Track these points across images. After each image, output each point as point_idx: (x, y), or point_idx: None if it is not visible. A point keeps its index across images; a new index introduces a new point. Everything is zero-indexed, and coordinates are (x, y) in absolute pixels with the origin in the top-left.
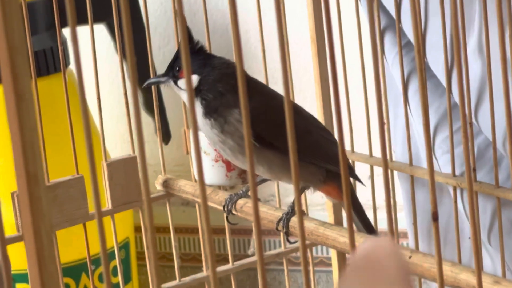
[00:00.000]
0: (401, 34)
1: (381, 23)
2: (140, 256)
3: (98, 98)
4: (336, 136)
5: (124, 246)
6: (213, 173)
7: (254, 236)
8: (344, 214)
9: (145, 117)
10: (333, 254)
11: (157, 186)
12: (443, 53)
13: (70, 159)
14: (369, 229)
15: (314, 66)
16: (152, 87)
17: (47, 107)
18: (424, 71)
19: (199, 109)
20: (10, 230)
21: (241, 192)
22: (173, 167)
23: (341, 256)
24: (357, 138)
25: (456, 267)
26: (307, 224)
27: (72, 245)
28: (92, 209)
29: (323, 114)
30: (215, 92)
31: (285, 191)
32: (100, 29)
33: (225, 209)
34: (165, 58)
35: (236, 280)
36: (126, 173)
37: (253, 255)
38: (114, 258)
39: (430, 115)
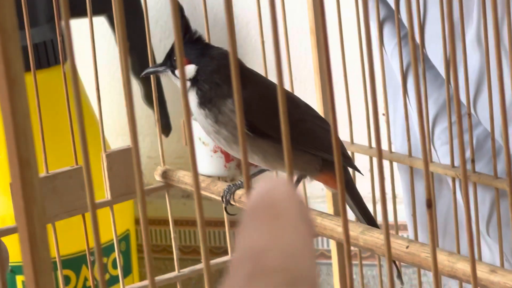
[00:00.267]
0: (400, 25)
1: (380, 14)
2: (141, 249)
3: (97, 89)
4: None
5: (125, 238)
6: (211, 164)
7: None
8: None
9: (146, 109)
10: (332, 246)
11: (156, 177)
12: (441, 44)
13: (70, 150)
14: (369, 219)
15: (314, 58)
16: (152, 79)
17: (47, 98)
18: (423, 62)
19: (194, 98)
20: (10, 222)
21: (239, 182)
22: (174, 159)
23: (341, 248)
24: (357, 129)
25: (453, 257)
26: None
27: (72, 237)
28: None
29: (323, 105)
30: (211, 83)
31: None
32: (101, 21)
33: (224, 199)
34: (166, 50)
35: None
36: (126, 164)
37: None
38: (114, 250)
39: (429, 106)
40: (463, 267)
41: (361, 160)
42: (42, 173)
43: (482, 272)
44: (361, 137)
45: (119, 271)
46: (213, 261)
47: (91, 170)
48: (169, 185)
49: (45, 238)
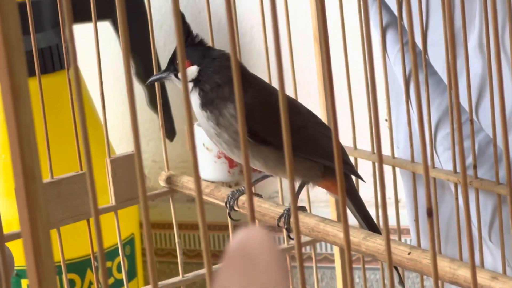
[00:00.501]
0: (403, 31)
1: (383, 20)
2: (146, 253)
3: (102, 95)
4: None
5: (129, 242)
6: (215, 170)
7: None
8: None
9: (150, 113)
10: (335, 250)
11: (161, 182)
12: (444, 50)
13: (75, 155)
14: (371, 226)
15: (317, 64)
16: (156, 84)
17: (52, 103)
18: (426, 68)
19: (196, 100)
20: (16, 226)
21: (243, 188)
22: (178, 164)
23: (344, 252)
24: (361, 134)
25: (454, 263)
26: (308, 220)
27: (77, 241)
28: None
29: (326, 111)
30: (213, 84)
31: (286, 188)
32: (106, 26)
33: (227, 205)
34: (170, 54)
35: None
36: (130, 170)
37: None
38: (119, 254)
39: (432, 112)
40: (465, 273)
41: (364, 166)
42: (47, 179)
43: (483, 279)
44: (365, 143)
45: (123, 275)
46: (216, 266)
47: (94, 176)
48: (173, 190)
49: (49, 247)
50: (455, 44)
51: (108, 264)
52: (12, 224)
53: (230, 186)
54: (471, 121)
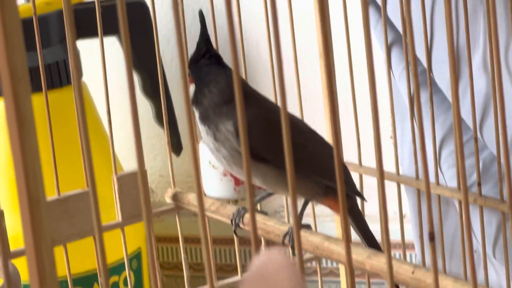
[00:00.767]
0: (407, 49)
1: (388, 38)
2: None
3: (108, 112)
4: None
5: (136, 256)
6: (221, 187)
7: (263, 247)
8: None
9: (157, 128)
10: (341, 266)
11: (167, 199)
12: (448, 68)
13: (82, 171)
14: (372, 244)
15: (323, 80)
16: (162, 98)
17: (60, 118)
18: (430, 86)
19: (196, 114)
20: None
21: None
22: (185, 178)
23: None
24: (366, 151)
25: (458, 282)
26: (313, 238)
27: (84, 255)
28: (103, 221)
29: (331, 126)
30: (209, 102)
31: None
32: (112, 41)
33: (233, 223)
34: (177, 69)
35: None
36: (136, 187)
37: None
38: (125, 269)
39: (436, 129)
40: None
41: (370, 181)
42: (54, 196)
43: None
44: (370, 159)
45: None
46: (221, 282)
47: (97, 195)
48: (179, 207)
49: (53, 272)
50: (458, 63)
51: (115, 278)
52: (18, 239)
53: (237, 202)
54: (476, 139)
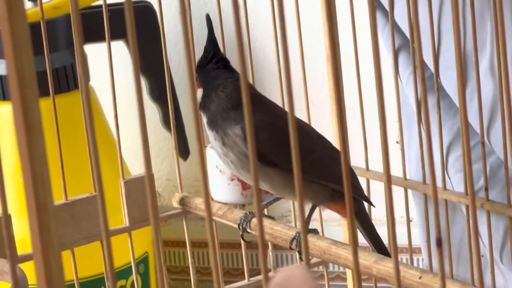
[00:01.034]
0: (415, 54)
1: (395, 42)
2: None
3: (116, 117)
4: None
5: (143, 261)
6: (228, 192)
7: (270, 252)
8: (358, 231)
9: (165, 132)
10: (348, 270)
11: (174, 203)
12: (455, 73)
13: (90, 174)
14: (380, 248)
15: (330, 84)
16: (169, 103)
17: (67, 123)
18: (438, 91)
19: (204, 119)
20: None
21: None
22: (192, 182)
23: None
24: (373, 156)
25: (465, 287)
26: (320, 243)
27: (92, 259)
28: (110, 225)
29: (338, 131)
30: (217, 107)
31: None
32: (120, 46)
33: (240, 227)
34: (184, 73)
35: None
36: (144, 191)
37: (268, 270)
38: (132, 273)
39: (443, 134)
40: None
41: (376, 185)
42: (61, 200)
43: None
44: (377, 164)
45: None
46: (228, 286)
47: (105, 199)
48: (187, 211)
49: (61, 279)
50: (465, 68)
51: (122, 282)
52: (26, 243)
53: (244, 206)
54: (483, 143)
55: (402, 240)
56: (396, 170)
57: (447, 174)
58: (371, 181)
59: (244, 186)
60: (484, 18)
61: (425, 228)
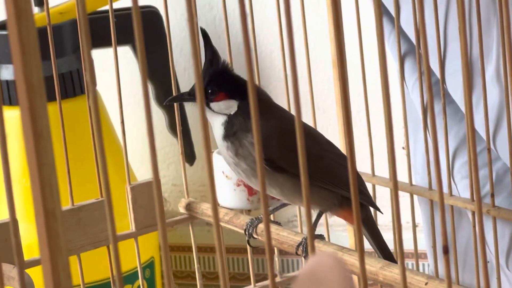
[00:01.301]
0: (421, 60)
1: (401, 49)
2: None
3: (122, 122)
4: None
5: (149, 265)
6: (235, 197)
7: (276, 257)
8: (365, 238)
9: (171, 137)
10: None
11: (180, 209)
12: (461, 79)
13: (95, 180)
14: (386, 255)
15: (336, 89)
16: (176, 108)
17: (74, 128)
18: (443, 97)
19: (220, 130)
20: (37, 250)
21: (261, 216)
22: (198, 187)
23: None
24: (379, 161)
25: None
26: (326, 249)
27: (99, 264)
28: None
29: (344, 136)
30: (242, 118)
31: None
32: (126, 50)
33: (246, 233)
34: (190, 78)
35: None
36: (150, 196)
37: (275, 276)
38: (138, 278)
39: (449, 140)
40: None
41: (382, 191)
42: (68, 205)
43: None
44: (383, 169)
45: None
46: None
47: (112, 204)
48: (193, 217)
49: (69, 285)
50: (472, 74)
51: (128, 287)
52: (32, 248)
53: (250, 211)
54: (489, 150)
55: (408, 246)
56: (402, 176)
57: (453, 180)
58: (377, 186)
59: (250, 191)
60: (490, 25)
61: (431, 234)
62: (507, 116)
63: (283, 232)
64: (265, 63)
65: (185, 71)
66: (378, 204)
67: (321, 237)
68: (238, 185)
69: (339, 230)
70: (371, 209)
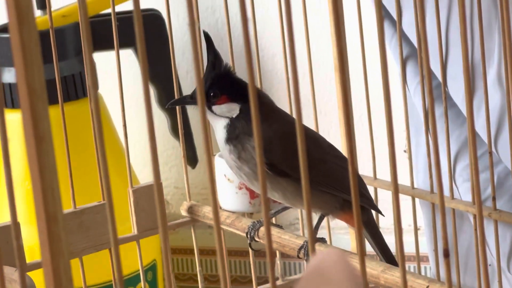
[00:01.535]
0: (422, 63)
1: (403, 52)
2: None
3: (124, 126)
4: (355, 163)
5: (151, 268)
6: (236, 200)
7: (278, 260)
8: (366, 240)
9: (173, 140)
10: None
11: (182, 212)
12: (463, 82)
13: (98, 183)
14: (388, 258)
15: (338, 93)
16: (177, 111)
17: (76, 131)
18: (445, 101)
19: (223, 133)
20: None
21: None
22: (200, 190)
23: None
24: (381, 164)
25: None
26: None
27: (101, 267)
28: (119, 234)
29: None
30: (244, 121)
31: None
32: (128, 53)
33: (248, 236)
34: (192, 81)
35: None
36: (152, 199)
37: (276, 279)
38: (141, 280)
39: (451, 144)
40: None
41: (384, 194)
42: (70, 208)
43: None
44: (385, 173)
45: None
46: None
47: (113, 207)
48: (195, 220)
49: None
50: (473, 78)
51: None
52: (34, 251)
53: (252, 214)
54: (490, 153)
55: (410, 249)
56: (404, 179)
57: (455, 183)
58: (378, 189)
59: (252, 194)
60: (492, 29)
61: (432, 237)
62: (508, 120)
63: (285, 235)
64: (268, 66)
65: (187, 74)
66: (380, 207)
67: (322, 240)
68: (240, 188)
69: (341, 233)
70: (373, 212)
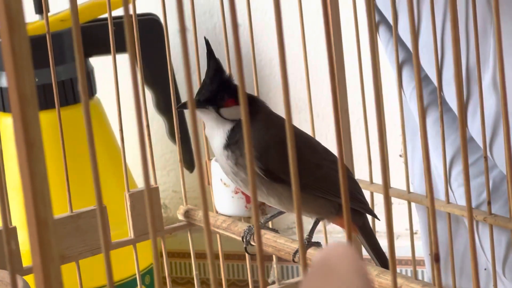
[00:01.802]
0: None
1: (399, 57)
2: (166, 281)
3: (121, 130)
4: (351, 169)
5: (149, 272)
6: (232, 205)
7: (274, 264)
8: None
9: (171, 144)
10: None
11: (179, 216)
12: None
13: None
14: (383, 262)
15: (334, 98)
16: (174, 115)
17: (74, 134)
18: (441, 105)
19: (222, 139)
20: None
21: (260, 223)
22: (197, 194)
23: None
24: (377, 169)
25: None
26: None
27: (98, 270)
28: (114, 238)
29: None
30: (241, 126)
31: (306, 219)
32: (126, 58)
33: (244, 240)
34: (192, 86)
35: None
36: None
37: (273, 283)
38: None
39: (447, 148)
40: None
41: (380, 199)
42: (66, 212)
43: None
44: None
45: None
46: None
47: (107, 211)
48: (191, 224)
49: None
50: (468, 82)
51: None
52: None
53: (247, 220)
54: (485, 158)
55: (406, 252)
56: (400, 183)
57: (450, 188)
58: (375, 194)
59: (248, 199)
60: (487, 33)
61: (428, 241)
62: (503, 124)
63: (280, 240)
64: (265, 71)
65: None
66: (376, 211)
67: (317, 244)
68: (236, 193)
69: (338, 236)
70: (369, 216)
